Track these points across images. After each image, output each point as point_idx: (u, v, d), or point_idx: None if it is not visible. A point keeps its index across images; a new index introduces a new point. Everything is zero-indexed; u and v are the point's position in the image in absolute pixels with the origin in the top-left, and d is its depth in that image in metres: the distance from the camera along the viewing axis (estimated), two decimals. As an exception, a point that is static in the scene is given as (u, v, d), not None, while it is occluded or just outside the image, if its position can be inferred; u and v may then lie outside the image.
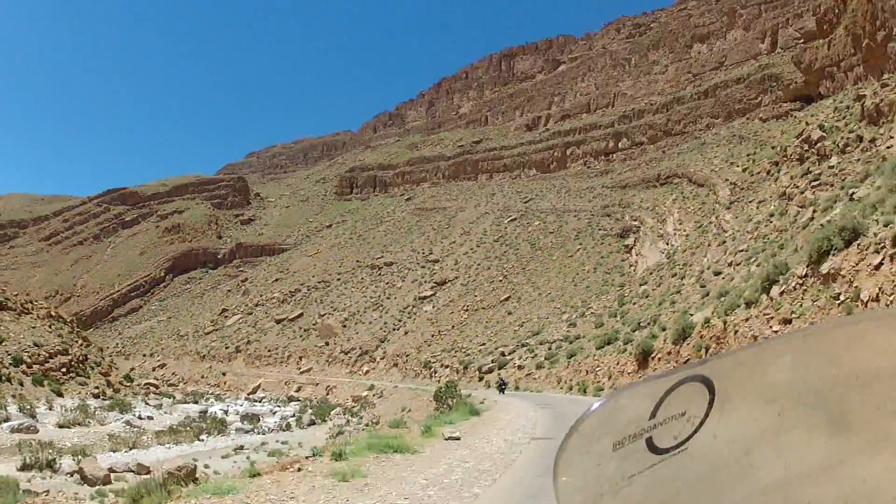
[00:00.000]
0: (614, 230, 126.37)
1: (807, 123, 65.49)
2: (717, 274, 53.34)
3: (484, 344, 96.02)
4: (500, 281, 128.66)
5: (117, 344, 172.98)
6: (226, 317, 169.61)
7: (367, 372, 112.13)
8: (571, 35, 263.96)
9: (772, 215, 54.85)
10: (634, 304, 72.39)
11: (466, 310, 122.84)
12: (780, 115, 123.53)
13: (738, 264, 48.64)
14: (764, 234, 51.04)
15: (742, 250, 52.59)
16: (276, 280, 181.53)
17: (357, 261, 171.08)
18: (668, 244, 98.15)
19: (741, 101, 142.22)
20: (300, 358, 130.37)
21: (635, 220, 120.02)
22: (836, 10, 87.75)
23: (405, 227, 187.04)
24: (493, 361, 78.42)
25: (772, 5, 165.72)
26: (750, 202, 70.88)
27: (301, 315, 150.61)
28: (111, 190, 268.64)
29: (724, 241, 65.95)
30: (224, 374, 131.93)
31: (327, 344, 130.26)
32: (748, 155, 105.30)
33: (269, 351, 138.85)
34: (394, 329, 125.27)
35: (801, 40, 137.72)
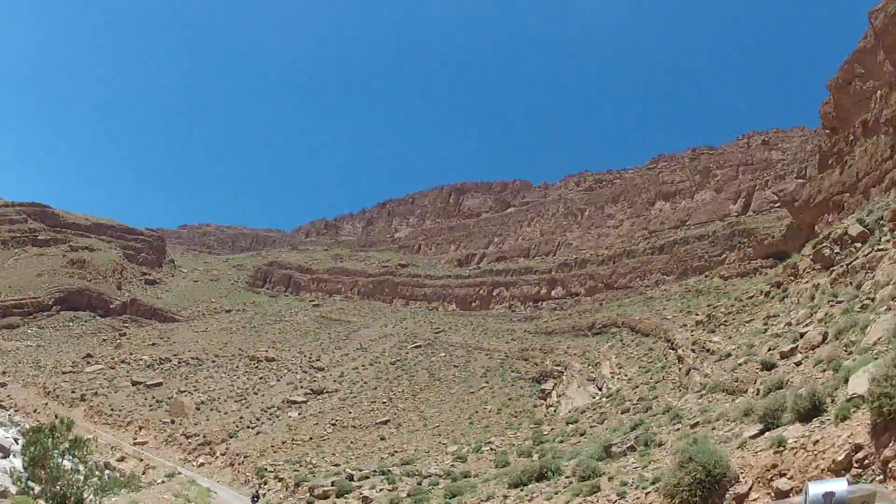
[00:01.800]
0: (529, 374, 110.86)
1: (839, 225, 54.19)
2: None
3: (338, 465, 78.08)
4: (384, 403, 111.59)
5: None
6: (88, 363, 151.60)
7: (202, 465, 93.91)
8: (529, 181, 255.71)
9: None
10: (562, 441, 54.62)
11: (334, 424, 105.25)
12: (746, 272, 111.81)
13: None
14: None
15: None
16: (153, 344, 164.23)
17: (240, 349, 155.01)
18: (600, 388, 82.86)
19: (701, 258, 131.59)
20: (140, 428, 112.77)
21: (558, 365, 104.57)
22: (851, 137, 77.26)
23: (302, 330, 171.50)
24: (333, 485, 59.50)
25: (751, 167, 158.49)
26: (747, 322, 54.60)
27: (160, 384, 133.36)
28: (36, 204, 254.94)
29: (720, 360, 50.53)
30: (57, 416, 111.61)
31: (173, 422, 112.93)
32: (709, 305, 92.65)
33: (112, 410, 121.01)
34: (248, 426, 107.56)
35: (778, 203, 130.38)
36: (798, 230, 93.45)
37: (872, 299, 28.81)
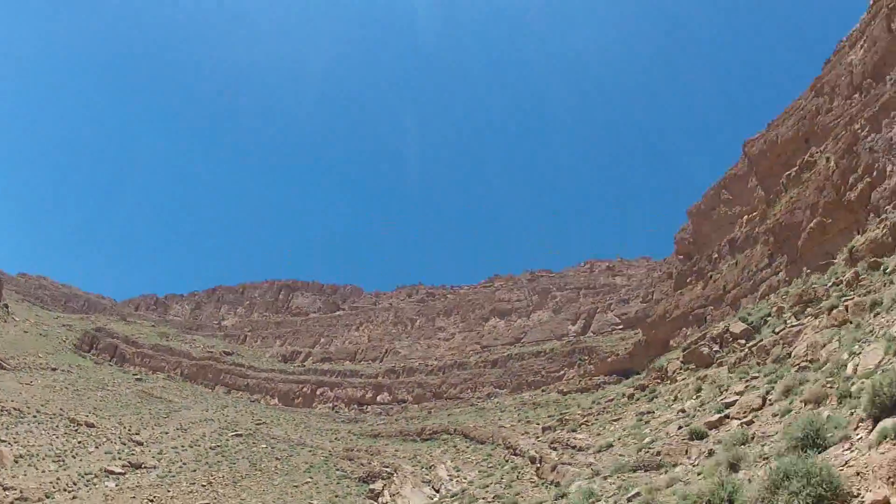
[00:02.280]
0: (356, 474, 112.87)
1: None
2: None
3: None
4: (203, 486, 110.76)
5: None
6: None
7: None
8: (360, 287, 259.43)
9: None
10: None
11: (151, 501, 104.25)
12: (587, 387, 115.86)
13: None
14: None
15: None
16: None
17: (61, 408, 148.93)
18: (437, 490, 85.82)
19: (538, 374, 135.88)
20: None
21: (386, 467, 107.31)
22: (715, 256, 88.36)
23: (123, 401, 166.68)
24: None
25: (592, 290, 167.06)
26: (614, 420, 59.90)
27: None
28: None
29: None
30: None
31: None
32: (551, 415, 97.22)
33: None
34: (65, 489, 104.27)
35: (620, 325, 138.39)
36: (647, 346, 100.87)
37: (811, 360, 33.22)
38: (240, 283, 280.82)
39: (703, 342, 56.32)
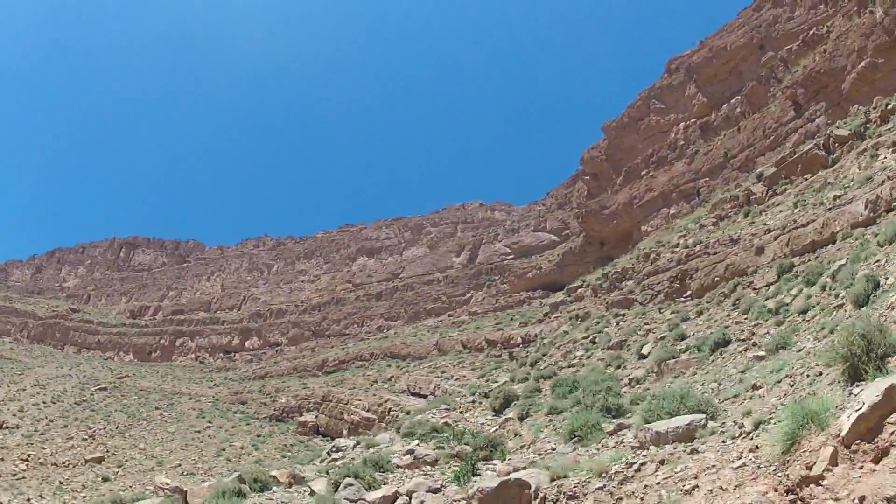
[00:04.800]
0: (264, 413, 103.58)
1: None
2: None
3: None
4: (84, 440, 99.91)
5: None
6: None
7: None
8: (202, 242, 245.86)
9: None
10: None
11: (26, 460, 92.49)
12: (507, 305, 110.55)
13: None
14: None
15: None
16: None
17: None
18: (427, 395, 73.63)
19: (437, 300, 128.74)
20: None
21: (316, 397, 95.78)
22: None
23: None
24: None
25: (471, 225, 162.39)
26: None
27: None
28: None
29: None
30: None
31: None
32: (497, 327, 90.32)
33: None
34: None
35: (512, 255, 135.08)
36: (585, 250, 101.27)
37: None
38: (79, 242, 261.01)
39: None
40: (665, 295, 51.11)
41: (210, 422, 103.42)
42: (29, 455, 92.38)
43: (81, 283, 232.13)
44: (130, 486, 74.94)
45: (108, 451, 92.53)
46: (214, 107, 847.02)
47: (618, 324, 50.90)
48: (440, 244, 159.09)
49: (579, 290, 75.82)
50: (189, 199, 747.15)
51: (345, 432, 75.97)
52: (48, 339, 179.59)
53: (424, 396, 67.93)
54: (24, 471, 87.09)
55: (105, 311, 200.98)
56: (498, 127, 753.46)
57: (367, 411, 76.53)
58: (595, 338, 48.52)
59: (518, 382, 42.31)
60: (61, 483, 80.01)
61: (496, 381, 49.42)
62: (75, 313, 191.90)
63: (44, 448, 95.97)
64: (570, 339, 53.62)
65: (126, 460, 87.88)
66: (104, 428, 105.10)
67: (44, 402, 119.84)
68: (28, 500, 67.97)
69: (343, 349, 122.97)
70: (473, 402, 41.42)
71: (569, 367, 42.53)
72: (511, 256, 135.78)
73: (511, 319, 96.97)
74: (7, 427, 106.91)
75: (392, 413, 69.60)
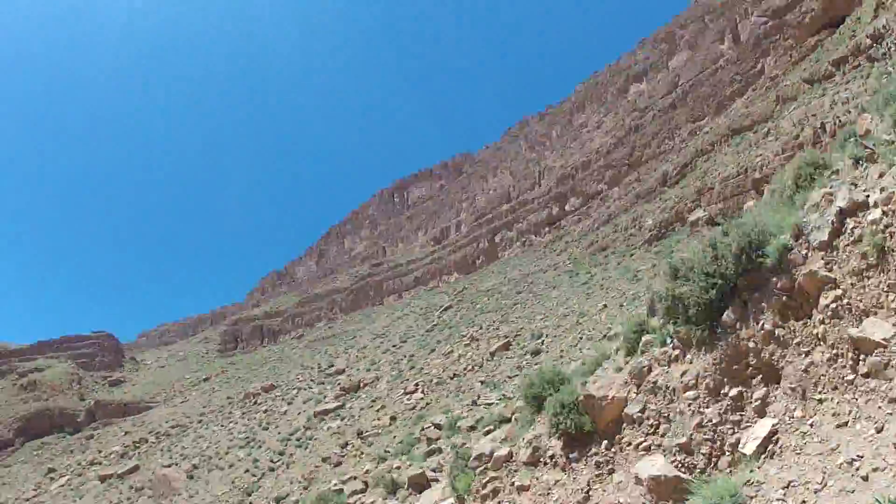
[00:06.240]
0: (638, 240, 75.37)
1: None
2: None
3: (490, 403, 43.15)
4: (468, 344, 75.61)
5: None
6: (52, 479, 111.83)
7: None
8: (468, 153, 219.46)
9: None
10: None
11: (410, 392, 69.33)
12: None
13: None
14: None
15: None
16: (126, 433, 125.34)
17: (228, 397, 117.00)
18: None
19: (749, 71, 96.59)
20: None
21: None
22: None
23: (295, 359, 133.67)
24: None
25: (716, 14, 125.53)
26: None
27: (136, 469, 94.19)
28: None
29: None
30: None
31: None
32: None
33: None
34: (270, 469, 69.31)
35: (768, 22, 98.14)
36: None
37: None
38: (348, 213, 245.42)
39: None
40: None
41: (589, 272, 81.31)
42: (417, 384, 69.36)
43: (370, 243, 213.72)
44: (564, 352, 51.74)
45: (506, 337, 67.69)
46: None
47: None
48: (697, 44, 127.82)
49: None
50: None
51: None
52: (362, 303, 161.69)
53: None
54: (418, 401, 64.92)
55: (408, 253, 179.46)
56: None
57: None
58: None
59: None
60: (489, 379, 58.47)
61: None
62: (378, 266, 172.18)
63: (418, 378, 72.40)
64: None
65: (531, 334, 66.26)
66: (480, 328, 79.57)
67: (393, 346, 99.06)
68: (474, 400, 51.64)
69: (679, 153, 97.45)
70: None
71: None
72: (769, 22, 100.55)
73: None
74: (365, 384, 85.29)
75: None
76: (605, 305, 59.17)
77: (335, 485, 38.65)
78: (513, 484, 16.30)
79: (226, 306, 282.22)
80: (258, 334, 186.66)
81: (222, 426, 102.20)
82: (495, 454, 17.51)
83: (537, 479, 15.51)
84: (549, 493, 14.76)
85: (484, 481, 17.40)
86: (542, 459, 15.84)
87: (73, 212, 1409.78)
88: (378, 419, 66.09)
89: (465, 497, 18.94)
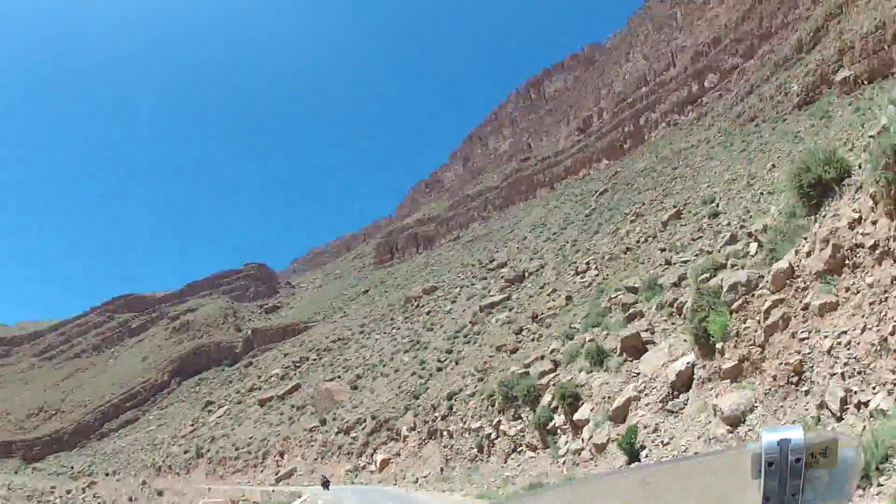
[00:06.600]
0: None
1: None
2: None
3: (686, 260, 43.24)
4: (633, 222, 77.16)
5: (88, 463, 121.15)
6: (210, 411, 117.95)
7: (386, 462, 55.36)
8: (596, 42, 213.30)
9: None
10: None
11: (582, 272, 68.93)
12: None
13: None
14: None
15: None
16: (286, 355, 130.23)
17: (389, 305, 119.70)
18: None
19: None
20: (280, 454, 79.04)
21: None
22: None
23: (453, 260, 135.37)
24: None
25: None
26: None
27: (297, 388, 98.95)
28: (116, 297, 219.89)
29: None
30: (160, 493, 76.81)
31: (323, 423, 77.98)
32: None
33: (237, 450, 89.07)
34: (438, 369, 70.32)
35: None
36: None
37: None
38: (487, 114, 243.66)
39: None
40: None
41: (745, 140, 78.67)
42: (588, 263, 69.11)
43: (514, 141, 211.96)
44: (748, 208, 51.13)
45: (674, 207, 70.99)
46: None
47: None
48: None
49: None
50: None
51: None
52: (515, 199, 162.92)
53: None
54: (596, 275, 65.20)
55: (553, 146, 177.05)
56: None
57: None
58: None
59: None
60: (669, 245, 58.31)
61: None
62: (526, 161, 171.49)
63: (591, 251, 72.78)
64: None
65: (701, 200, 66.64)
66: (643, 204, 78.61)
67: (554, 234, 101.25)
68: (667, 259, 52.08)
69: (807, 21, 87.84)
70: None
71: None
72: None
73: None
74: (531, 273, 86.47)
75: None
76: (774, 165, 56.91)
77: (517, 370, 38.59)
78: (806, 307, 12.26)
79: (375, 221, 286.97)
80: (413, 242, 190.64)
81: (385, 333, 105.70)
82: (777, 267, 13.49)
83: (852, 286, 11.09)
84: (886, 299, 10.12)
85: (765, 308, 13.56)
86: (852, 259, 11.19)
87: (212, 152, 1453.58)
88: (552, 301, 66.50)
89: (724, 344, 15.32)
